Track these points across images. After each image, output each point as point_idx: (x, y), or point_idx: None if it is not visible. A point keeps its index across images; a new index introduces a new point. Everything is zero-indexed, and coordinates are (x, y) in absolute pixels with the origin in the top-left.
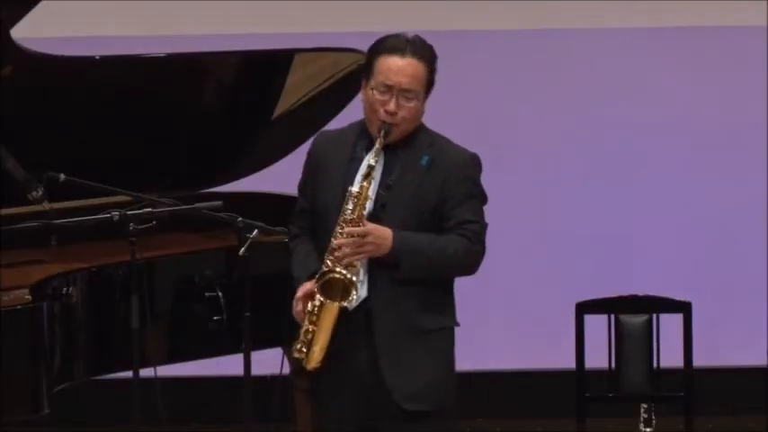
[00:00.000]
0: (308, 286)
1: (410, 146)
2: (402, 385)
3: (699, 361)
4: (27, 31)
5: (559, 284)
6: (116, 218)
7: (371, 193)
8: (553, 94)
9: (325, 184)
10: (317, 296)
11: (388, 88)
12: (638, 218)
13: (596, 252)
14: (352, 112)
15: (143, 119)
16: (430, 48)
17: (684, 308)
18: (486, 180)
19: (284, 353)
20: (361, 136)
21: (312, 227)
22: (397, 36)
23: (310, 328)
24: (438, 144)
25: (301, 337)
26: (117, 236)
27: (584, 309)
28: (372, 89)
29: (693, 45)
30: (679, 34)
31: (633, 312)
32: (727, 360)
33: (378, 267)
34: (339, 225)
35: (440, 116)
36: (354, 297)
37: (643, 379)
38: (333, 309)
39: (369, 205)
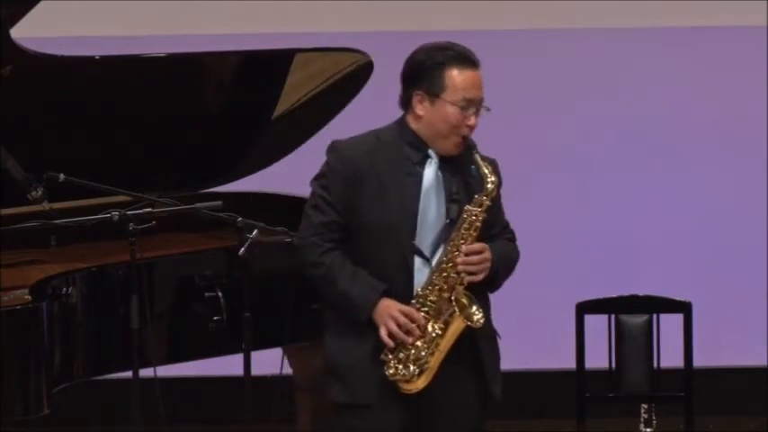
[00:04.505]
0: (406, 309)
1: (458, 156)
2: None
3: (699, 361)
4: (27, 31)
5: (559, 284)
6: (116, 218)
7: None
8: (553, 94)
9: (378, 198)
10: (439, 323)
11: (470, 103)
12: (639, 217)
13: (596, 252)
14: (352, 113)
15: (143, 119)
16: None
17: (684, 308)
18: None
19: (284, 353)
20: (412, 149)
21: (345, 240)
22: (457, 45)
23: (424, 352)
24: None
25: (412, 364)
26: (117, 236)
27: (584, 309)
28: (453, 104)
29: (693, 45)
30: (679, 34)
31: (633, 312)
32: (727, 360)
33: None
34: (454, 244)
35: None
36: (480, 317)
37: (643, 379)
38: (459, 330)
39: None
